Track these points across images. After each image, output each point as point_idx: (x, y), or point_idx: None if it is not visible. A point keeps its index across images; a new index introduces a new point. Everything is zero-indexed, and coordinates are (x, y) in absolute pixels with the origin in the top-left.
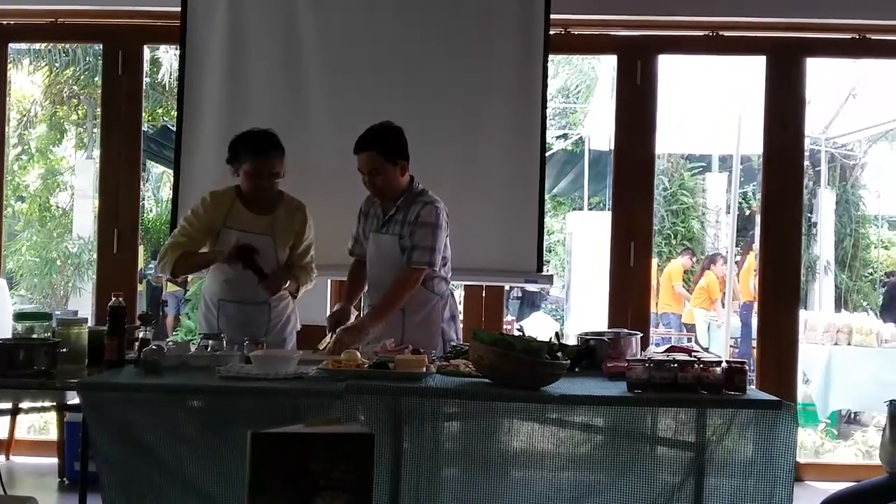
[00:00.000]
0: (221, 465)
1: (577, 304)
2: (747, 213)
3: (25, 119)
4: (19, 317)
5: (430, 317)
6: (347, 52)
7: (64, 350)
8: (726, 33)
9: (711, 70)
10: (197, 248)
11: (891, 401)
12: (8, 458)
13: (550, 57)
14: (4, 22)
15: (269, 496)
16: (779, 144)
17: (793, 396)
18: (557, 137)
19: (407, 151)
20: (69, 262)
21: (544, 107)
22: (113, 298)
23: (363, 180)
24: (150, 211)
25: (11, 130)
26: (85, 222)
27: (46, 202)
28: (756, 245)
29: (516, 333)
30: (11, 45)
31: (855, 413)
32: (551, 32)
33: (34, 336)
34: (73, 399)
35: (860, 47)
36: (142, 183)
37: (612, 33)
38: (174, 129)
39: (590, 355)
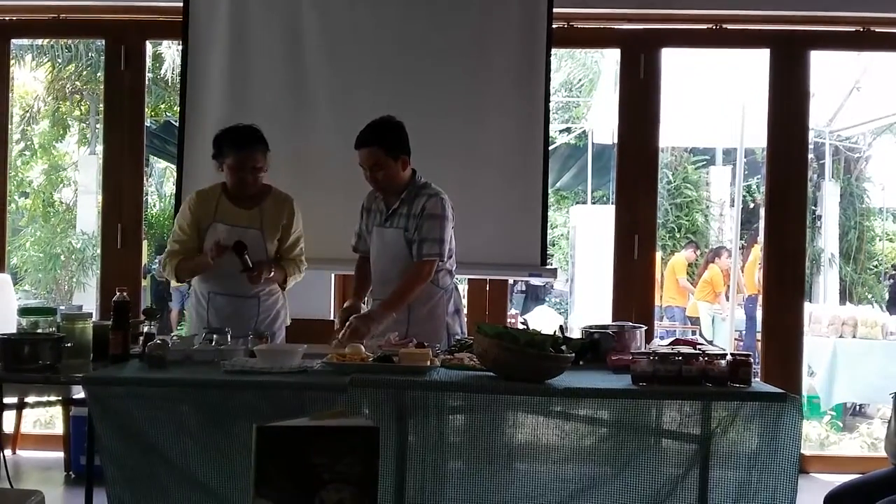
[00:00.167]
0: (225, 459)
1: (580, 297)
2: (751, 206)
3: (28, 115)
4: (24, 312)
5: (435, 311)
6: (350, 47)
7: (69, 345)
8: (730, 26)
9: (715, 63)
10: (192, 248)
11: None
12: (14, 452)
13: (553, 51)
14: (7, 18)
15: (274, 490)
16: (783, 137)
17: (798, 389)
18: (561, 131)
19: (408, 146)
20: (73, 257)
21: (547, 101)
22: (117, 293)
23: (365, 175)
24: (154, 206)
25: (14, 126)
26: (88, 218)
27: (50, 198)
28: (760, 238)
29: (520, 327)
30: (14, 41)
31: (860, 405)
32: (554, 26)
33: (39, 331)
34: (79, 393)
35: (864, 40)
36: (145, 178)
37: (615, 27)
38: (177, 124)
39: (594, 348)
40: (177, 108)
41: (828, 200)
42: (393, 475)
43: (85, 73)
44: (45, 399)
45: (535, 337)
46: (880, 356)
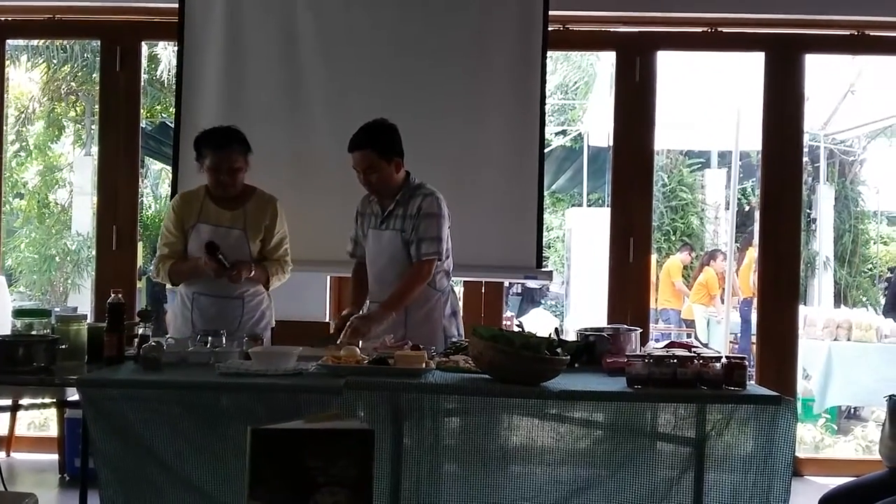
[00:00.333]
0: (219, 461)
1: (576, 300)
2: (746, 209)
3: (23, 116)
4: (18, 313)
5: (432, 313)
6: (345, 49)
7: (63, 347)
8: (725, 29)
9: (710, 66)
10: (181, 250)
11: (891, 396)
12: (8, 455)
13: (549, 53)
14: (2, 18)
15: (268, 492)
16: (778, 140)
17: (792, 392)
18: (556, 134)
19: (401, 148)
20: (68, 258)
21: (543, 103)
22: (112, 295)
23: (359, 178)
24: (149, 208)
25: (9, 127)
26: (84, 219)
27: (45, 199)
28: (755, 241)
29: (516, 329)
30: (9, 42)
31: (855, 408)
32: (550, 29)
33: (33, 333)
34: (73, 395)
35: (859, 43)
36: (140, 179)
37: (611, 30)
38: (172, 125)
39: (589, 351)
40: (172, 110)
41: (822, 203)
42: (388, 477)
43: (80, 74)
44: (39, 401)
45: (530, 339)
46: (875, 359)
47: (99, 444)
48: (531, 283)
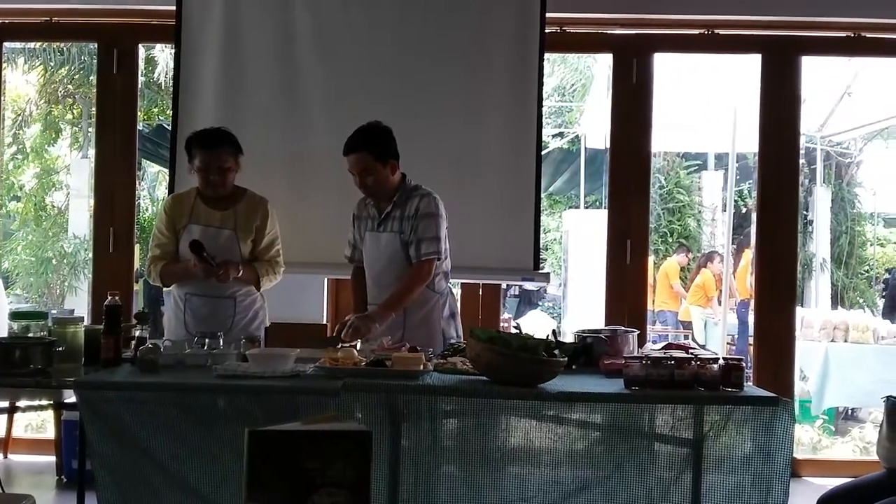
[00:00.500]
0: (217, 463)
1: (574, 301)
2: (743, 210)
3: (20, 118)
4: (15, 316)
5: (431, 315)
6: (343, 51)
7: (60, 349)
8: (722, 31)
9: (707, 68)
10: (172, 251)
11: (888, 397)
12: (6, 457)
13: (546, 55)
14: None
15: (266, 494)
16: (774, 142)
17: (790, 393)
18: (553, 136)
19: (396, 150)
20: (65, 261)
21: (540, 105)
22: (109, 297)
23: (354, 181)
24: (146, 210)
25: (6, 130)
26: (80, 221)
27: (42, 201)
28: (752, 243)
29: (513, 331)
30: (6, 44)
31: (852, 409)
32: (547, 31)
33: (30, 335)
34: (70, 397)
35: (855, 45)
36: (137, 182)
37: (608, 32)
38: (169, 128)
39: (587, 353)
40: (169, 112)
41: (819, 205)
42: (386, 479)
43: (77, 76)
44: (36, 403)
45: (527, 341)
46: (872, 360)
47: (96, 446)
48: (529, 285)
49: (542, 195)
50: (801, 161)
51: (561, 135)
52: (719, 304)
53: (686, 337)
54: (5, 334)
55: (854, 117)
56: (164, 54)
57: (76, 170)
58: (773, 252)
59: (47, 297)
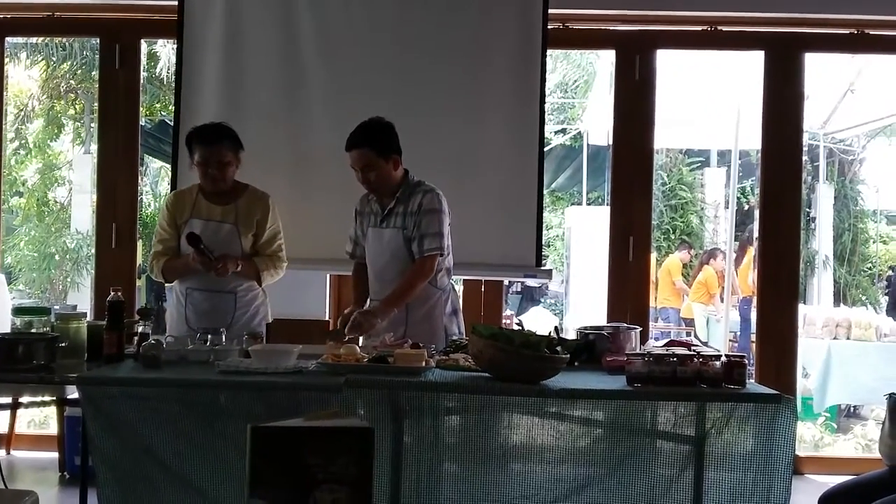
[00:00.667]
0: (218, 459)
1: (576, 298)
2: (746, 207)
3: (23, 114)
4: (18, 311)
5: (433, 312)
6: (345, 47)
7: (63, 345)
8: (724, 28)
9: (710, 65)
10: (174, 247)
11: (890, 394)
12: (8, 453)
13: (549, 52)
14: (1, 16)
15: (268, 490)
16: (777, 139)
17: (792, 390)
18: (556, 132)
19: (398, 146)
20: (67, 256)
21: (543, 102)
22: (111, 293)
23: (357, 177)
24: (149, 206)
25: (9, 125)
26: (83, 217)
27: (44, 197)
28: (755, 239)
29: (515, 328)
30: (8, 40)
31: (854, 407)
32: (549, 27)
33: (33, 331)
34: (73, 393)
35: (858, 42)
36: (140, 177)
37: (611, 28)
38: (172, 123)
39: (589, 349)
40: (172, 108)
41: (822, 202)
42: (388, 476)
43: (80, 71)
44: (39, 399)
45: (530, 338)
46: (874, 358)
47: (97, 443)
48: (531, 282)
49: (545, 192)
50: (804, 158)
51: (563, 131)
52: (721, 300)
53: (688, 334)
54: (8, 330)
55: (857, 114)
56: (166, 49)
57: (78, 165)
58: (775, 249)
59: (50, 293)
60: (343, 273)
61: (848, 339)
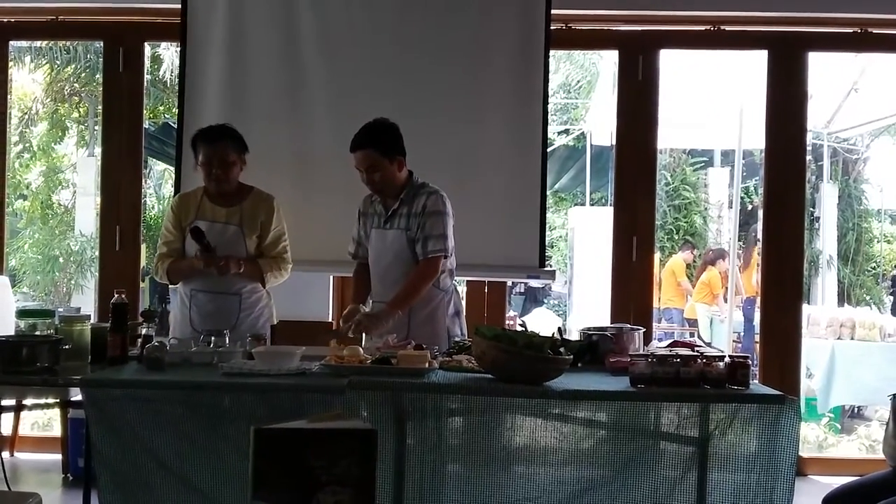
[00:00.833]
0: (222, 461)
1: (579, 299)
2: (749, 207)
3: (27, 117)
4: (22, 314)
5: (436, 313)
6: (348, 49)
7: (67, 347)
8: (728, 28)
9: (713, 65)
10: (179, 249)
11: (894, 395)
12: (12, 455)
13: (551, 52)
14: (5, 20)
15: (271, 492)
16: (781, 139)
17: (796, 391)
18: (559, 133)
19: (403, 147)
20: (71, 259)
21: (546, 102)
22: (115, 295)
23: (361, 178)
24: (153, 208)
25: (13, 128)
26: (87, 220)
27: (48, 200)
28: (759, 240)
29: (519, 329)
30: (12, 43)
31: (858, 407)
32: (552, 28)
33: (37, 333)
34: (77, 395)
35: (862, 41)
36: (143, 180)
37: (614, 28)
38: (175, 126)
39: (592, 350)
40: (175, 110)
41: (826, 202)
42: (391, 477)
43: (83, 74)
44: (42, 401)
45: (533, 339)
46: (878, 358)
47: (99, 447)
48: (534, 283)
49: (548, 192)
50: (808, 157)
51: (567, 132)
52: (725, 301)
53: (692, 334)
54: (12, 332)
55: (861, 113)
56: (169, 52)
57: (82, 168)
58: (779, 249)
59: (54, 296)
60: (346, 275)
61: (852, 339)
